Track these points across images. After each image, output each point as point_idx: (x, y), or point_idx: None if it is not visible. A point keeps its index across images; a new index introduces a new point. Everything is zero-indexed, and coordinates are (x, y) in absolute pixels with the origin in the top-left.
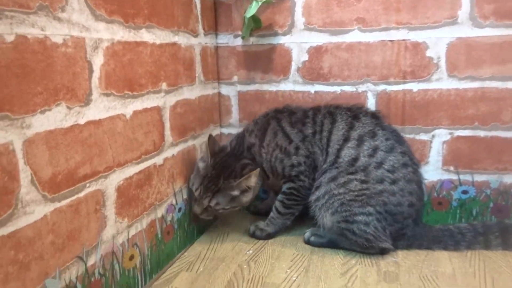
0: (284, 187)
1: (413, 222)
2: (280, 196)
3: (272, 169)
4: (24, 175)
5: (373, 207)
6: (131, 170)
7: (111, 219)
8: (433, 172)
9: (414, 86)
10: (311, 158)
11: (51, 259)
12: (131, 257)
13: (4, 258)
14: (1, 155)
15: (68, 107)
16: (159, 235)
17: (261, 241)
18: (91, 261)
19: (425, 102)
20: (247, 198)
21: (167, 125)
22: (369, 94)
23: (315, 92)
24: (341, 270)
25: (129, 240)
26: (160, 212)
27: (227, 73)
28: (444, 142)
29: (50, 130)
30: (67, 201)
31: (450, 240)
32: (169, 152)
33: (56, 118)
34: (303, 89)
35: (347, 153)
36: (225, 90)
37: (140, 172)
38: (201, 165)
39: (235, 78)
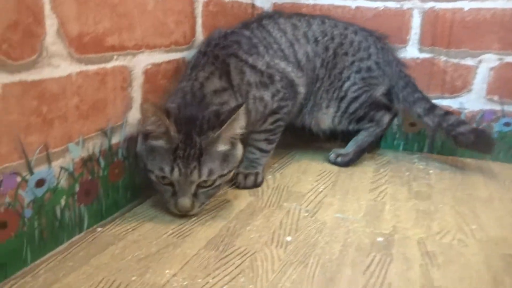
0: (266, 124)
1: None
2: (260, 136)
3: (250, 113)
4: (50, 22)
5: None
6: (160, 56)
7: (137, 102)
8: (474, 101)
9: (466, 5)
10: (284, 77)
11: (75, 123)
12: None
13: (26, 106)
14: None
15: None
16: None
17: (287, 156)
18: (115, 139)
19: (475, 23)
20: (239, 151)
21: (199, 20)
22: (415, 12)
23: (356, 7)
24: (370, 186)
25: None
26: None
27: None
28: (491, 69)
29: None
30: (94, 67)
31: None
32: None
33: None
34: (343, 3)
35: (302, 52)
36: (259, 0)
37: (169, 62)
38: (155, 143)
39: None
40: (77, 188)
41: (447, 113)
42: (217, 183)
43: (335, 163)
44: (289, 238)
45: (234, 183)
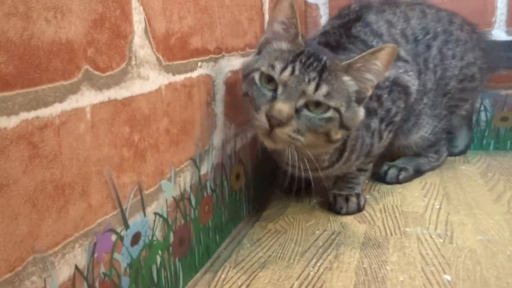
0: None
1: None
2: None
3: (354, 147)
4: (138, 18)
5: None
6: (237, 62)
7: (220, 120)
8: None
9: None
10: (395, 85)
11: (166, 153)
12: (238, 176)
13: (118, 135)
14: None
15: None
16: (259, 154)
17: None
18: (203, 169)
19: None
20: (360, 115)
21: (267, 18)
22: None
23: None
24: (490, 196)
25: (236, 153)
26: None
27: None
28: None
29: None
30: (181, 77)
31: None
32: None
33: None
34: None
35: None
36: None
37: None
38: (277, 44)
39: None
40: (171, 238)
41: None
42: (327, 114)
43: (398, 180)
44: (448, 277)
45: (332, 208)
